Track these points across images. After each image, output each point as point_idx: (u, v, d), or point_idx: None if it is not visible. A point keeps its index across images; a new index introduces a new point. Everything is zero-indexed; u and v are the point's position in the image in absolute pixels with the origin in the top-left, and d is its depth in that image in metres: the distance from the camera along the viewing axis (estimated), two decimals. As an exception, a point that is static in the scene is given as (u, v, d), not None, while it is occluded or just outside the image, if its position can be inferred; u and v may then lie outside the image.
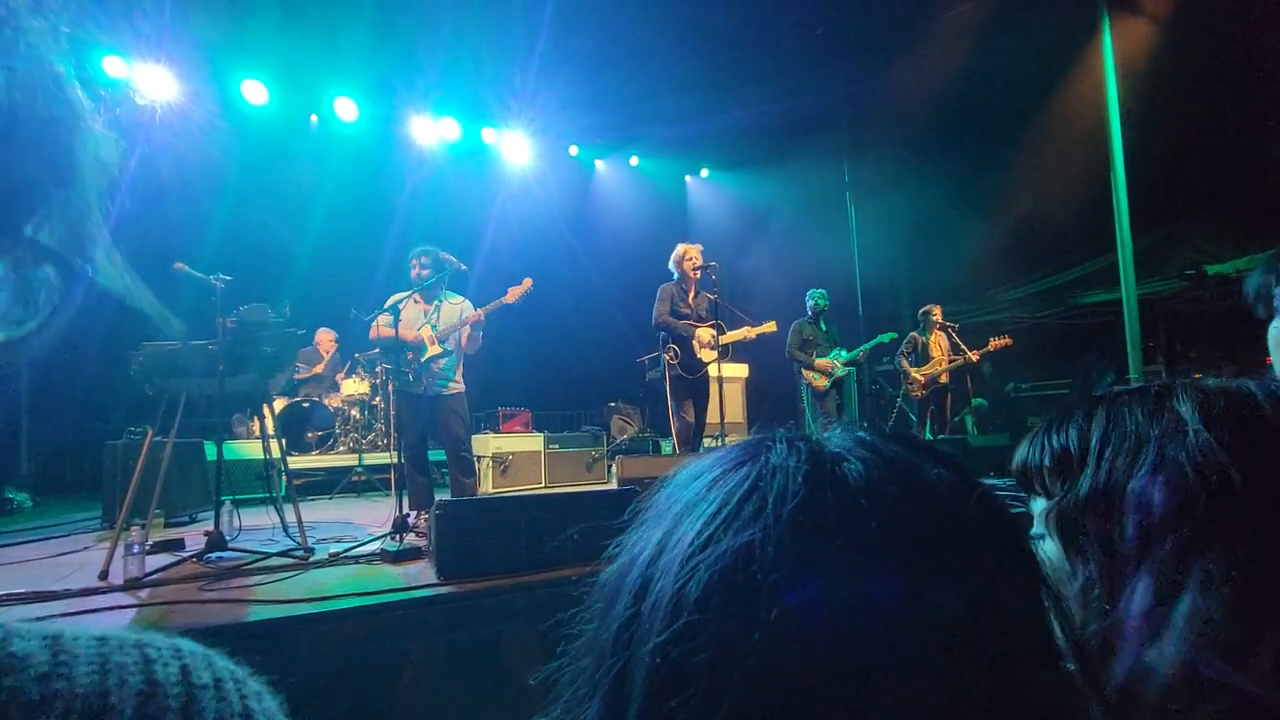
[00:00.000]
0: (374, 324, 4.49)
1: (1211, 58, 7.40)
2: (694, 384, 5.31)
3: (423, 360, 4.43)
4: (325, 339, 7.85)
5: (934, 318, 7.16)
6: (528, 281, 4.65)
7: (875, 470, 0.33)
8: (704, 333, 5.29)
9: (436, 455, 4.85)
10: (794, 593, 0.29)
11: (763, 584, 0.29)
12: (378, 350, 7.05)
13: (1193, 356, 7.94)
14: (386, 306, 4.42)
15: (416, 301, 4.56)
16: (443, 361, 4.51)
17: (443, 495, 4.27)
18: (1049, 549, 0.58)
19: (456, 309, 4.63)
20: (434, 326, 4.52)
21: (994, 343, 6.93)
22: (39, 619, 2.39)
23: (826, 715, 0.28)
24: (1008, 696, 0.29)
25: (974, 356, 6.96)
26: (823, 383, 6.58)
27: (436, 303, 4.61)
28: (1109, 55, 6.74)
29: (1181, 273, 8.15)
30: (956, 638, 0.29)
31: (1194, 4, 7.30)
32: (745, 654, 0.28)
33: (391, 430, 6.85)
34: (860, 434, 0.36)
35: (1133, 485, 0.54)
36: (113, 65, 6.98)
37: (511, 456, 6.73)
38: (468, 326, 4.53)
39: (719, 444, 5.52)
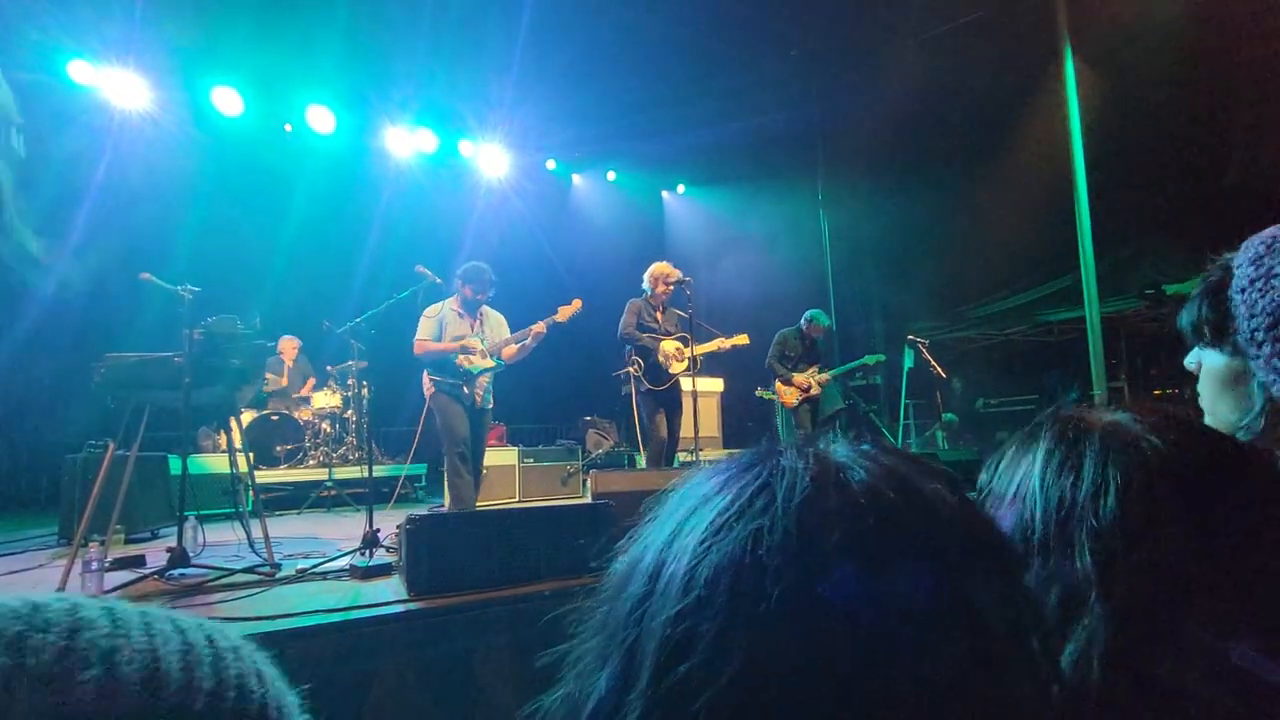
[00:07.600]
0: (419, 340, 4.56)
1: (1169, 84, 7.69)
2: (663, 396, 5.29)
3: (475, 374, 4.60)
4: (289, 346, 7.67)
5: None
6: (577, 302, 4.85)
7: (875, 477, 0.36)
8: (668, 344, 5.29)
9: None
10: (794, 575, 0.32)
11: (767, 566, 0.33)
12: (351, 363, 6.96)
13: (1154, 373, 8.18)
14: (430, 315, 4.54)
15: (461, 316, 4.66)
16: (489, 376, 4.69)
17: (420, 510, 4.21)
18: None
19: (498, 320, 4.80)
20: (484, 341, 4.65)
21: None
22: None
23: (818, 687, 0.31)
24: (982, 688, 0.32)
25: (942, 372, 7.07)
26: (793, 399, 6.60)
27: (479, 316, 4.72)
28: (1070, 79, 6.97)
29: (1141, 292, 8.40)
30: (936, 628, 0.32)
31: (1154, 29, 7.58)
32: (747, 627, 0.32)
33: (363, 444, 6.74)
34: (864, 446, 0.40)
35: (1001, 510, 0.58)
36: (79, 70, 6.83)
37: (486, 471, 6.64)
38: (529, 340, 4.67)
39: (694, 459, 5.51)
